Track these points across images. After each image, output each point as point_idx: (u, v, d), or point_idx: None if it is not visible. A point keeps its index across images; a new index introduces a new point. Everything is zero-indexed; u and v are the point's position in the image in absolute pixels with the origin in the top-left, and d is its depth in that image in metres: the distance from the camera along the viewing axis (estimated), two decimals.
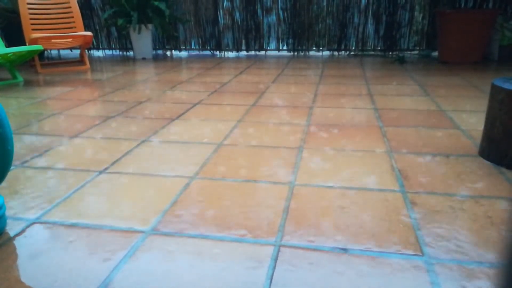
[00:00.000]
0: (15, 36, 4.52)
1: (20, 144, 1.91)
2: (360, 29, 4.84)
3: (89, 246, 1.09)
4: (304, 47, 5.06)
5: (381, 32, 4.80)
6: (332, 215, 1.22)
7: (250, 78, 3.49)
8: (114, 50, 5.59)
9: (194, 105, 2.59)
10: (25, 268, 1.00)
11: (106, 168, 1.60)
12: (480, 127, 2.03)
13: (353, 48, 4.95)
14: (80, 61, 4.67)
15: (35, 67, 4.06)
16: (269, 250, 1.05)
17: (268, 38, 5.14)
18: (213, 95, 2.87)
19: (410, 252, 1.03)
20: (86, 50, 4.83)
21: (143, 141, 1.91)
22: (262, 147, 1.80)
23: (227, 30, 5.16)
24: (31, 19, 4.12)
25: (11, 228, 1.18)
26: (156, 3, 4.52)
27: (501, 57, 4.05)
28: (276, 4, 4.92)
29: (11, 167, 1.62)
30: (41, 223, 1.21)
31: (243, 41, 5.19)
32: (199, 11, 5.12)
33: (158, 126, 2.16)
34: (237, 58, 4.84)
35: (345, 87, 3.05)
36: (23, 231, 1.17)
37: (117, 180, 1.49)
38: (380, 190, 1.37)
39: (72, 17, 4.36)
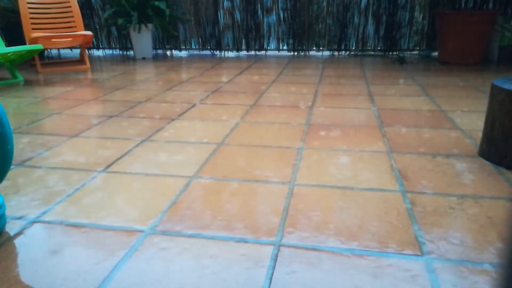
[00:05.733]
0: (15, 36, 4.52)
1: (20, 144, 1.91)
2: (360, 29, 4.84)
3: (89, 245, 1.09)
4: (304, 47, 5.06)
5: (381, 33, 4.80)
6: (331, 215, 1.22)
7: (250, 78, 3.49)
8: (114, 50, 5.59)
9: (194, 105, 2.59)
10: (25, 267, 1.00)
11: (106, 168, 1.60)
12: (480, 127, 2.03)
13: (353, 48, 4.95)
14: (80, 60, 4.67)
15: (35, 67, 4.06)
16: (269, 250, 1.05)
17: (268, 38, 5.14)
18: (213, 95, 2.87)
19: (410, 252, 1.03)
20: (86, 50, 4.83)
21: (143, 141, 1.91)
22: (262, 147, 1.80)
23: (227, 29, 5.16)
24: (31, 18, 4.12)
25: (11, 228, 1.18)
26: (156, 2, 4.52)
27: (501, 58, 4.05)
28: (276, 4, 4.92)
29: (11, 167, 1.62)
30: (41, 222, 1.21)
31: (243, 41, 5.19)
32: (199, 11, 5.12)
33: (158, 126, 2.16)
34: (237, 58, 4.84)
35: (345, 87, 3.05)
36: (23, 230, 1.17)
37: (117, 179, 1.49)
38: (380, 190, 1.37)
39: (72, 16, 4.36)
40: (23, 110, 2.55)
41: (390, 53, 4.86)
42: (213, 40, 5.26)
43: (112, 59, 4.88)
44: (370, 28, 4.82)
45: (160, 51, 5.51)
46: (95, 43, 5.53)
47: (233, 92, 2.93)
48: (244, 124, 2.14)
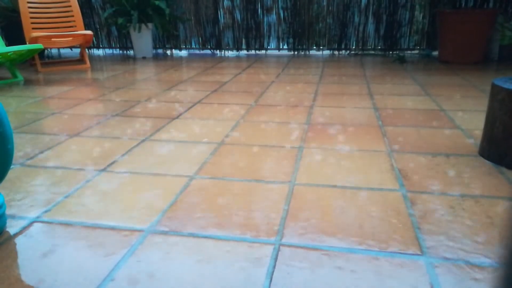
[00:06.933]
0: (15, 35, 4.52)
1: (21, 143, 1.91)
2: (361, 29, 4.84)
3: (89, 244, 1.09)
4: (304, 47, 5.06)
5: (382, 32, 4.79)
6: (332, 214, 1.22)
7: (250, 77, 3.48)
8: (114, 49, 5.59)
9: (194, 104, 2.59)
10: (25, 267, 1.00)
11: (106, 167, 1.60)
12: (480, 127, 2.03)
13: (354, 47, 4.95)
14: (80, 60, 4.67)
15: (36, 66, 4.06)
16: (269, 250, 1.05)
17: (269, 37, 5.13)
18: (213, 94, 2.87)
19: (410, 251, 1.03)
20: (86, 49, 4.83)
21: (143, 140, 1.91)
22: (262, 147, 1.80)
23: (228, 29, 5.16)
24: (31, 18, 4.11)
25: (11, 227, 1.18)
26: (156, 2, 4.52)
27: (502, 56, 4.04)
28: (277, 3, 4.91)
29: (11, 166, 1.62)
30: (41, 222, 1.21)
31: (244, 40, 5.19)
32: (199, 10, 5.12)
33: (158, 125, 2.16)
34: (237, 57, 4.84)
35: (345, 86, 3.05)
36: (23, 230, 1.17)
37: (117, 179, 1.49)
38: (380, 189, 1.37)
39: (73, 16, 4.36)
40: (23, 109, 2.55)
41: (390, 52, 4.85)
42: (213, 39, 5.25)
43: (112, 59, 4.88)
44: (370, 27, 4.82)
45: (160, 51, 5.51)
46: (95, 42, 5.53)
47: (233, 92, 2.93)
48: (245, 124, 2.14)
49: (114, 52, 5.56)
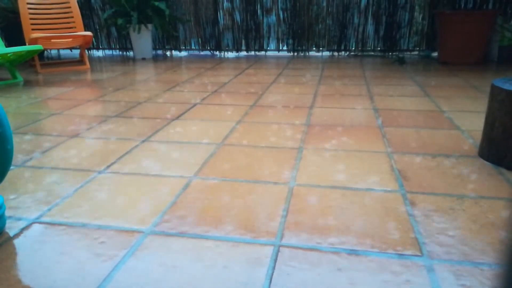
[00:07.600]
0: (15, 36, 4.52)
1: (20, 144, 1.91)
2: (360, 30, 4.85)
3: (89, 246, 1.09)
4: (304, 48, 5.06)
5: (381, 33, 4.80)
6: (331, 215, 1.22)
7: (249, 79, 3.49)
8: (114, 50, 5.59)
9: (194, 105, 2.59)
10: (25, 268, 1.00)
11: (106, 168, 1.60)
12: (480, 127, 2.03)
13: (353, 48, 4.95)
14: (80, 61, 4.67)
15: (35, 67, 4.06)
16: (269, 250, 1.05)
17: (268, 38, 5.14)
18: (213, 95, 2.87)
19: (410, 252, 1.03)
20: (86, 50, 4.83)
21: (142, 141, 1.91)
22: (261, 148, 1.80)
23: (227, 30, 5.16)
24: (31, 19, 4.11)
25: (11, 228, 1.18)
26: (156, 3, 4.52)
27: (501, 57, 4.05)
28: (276, 4, 4.92)
29: (11, 167, 1.62)
30: (40, 223, 1.21)
31: (243, 41, 5.19)
32: (199, 11, 5.12)
33: (157, 126, 2.16)
34: (237, 59, 4.84)
35: (345, 87, 3.05)
36: (22, 231, 1.17)
37: (116, 180, 1.49)
38: (380, 190, 1.37)
39: (72, 17, 4.36)
40: (22, 110, 2.54)
41: (390, 53, 4.86)
42: (213, 40, 5.26)
43: (112, 60, 4.88)
44: (370, 29, 4.82)
45: (160, 52, 5.51)
46: (94, 43, 5.53)
47: (232, 93, 2.93)
48: (244, 125, 2.14)
49: (114, 53, 5.56)
